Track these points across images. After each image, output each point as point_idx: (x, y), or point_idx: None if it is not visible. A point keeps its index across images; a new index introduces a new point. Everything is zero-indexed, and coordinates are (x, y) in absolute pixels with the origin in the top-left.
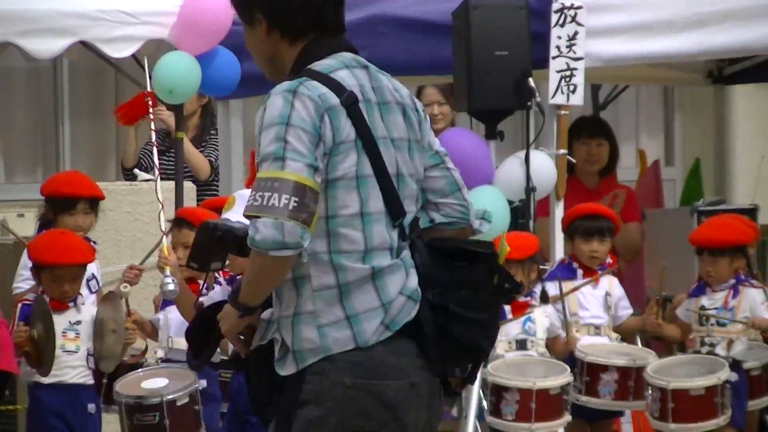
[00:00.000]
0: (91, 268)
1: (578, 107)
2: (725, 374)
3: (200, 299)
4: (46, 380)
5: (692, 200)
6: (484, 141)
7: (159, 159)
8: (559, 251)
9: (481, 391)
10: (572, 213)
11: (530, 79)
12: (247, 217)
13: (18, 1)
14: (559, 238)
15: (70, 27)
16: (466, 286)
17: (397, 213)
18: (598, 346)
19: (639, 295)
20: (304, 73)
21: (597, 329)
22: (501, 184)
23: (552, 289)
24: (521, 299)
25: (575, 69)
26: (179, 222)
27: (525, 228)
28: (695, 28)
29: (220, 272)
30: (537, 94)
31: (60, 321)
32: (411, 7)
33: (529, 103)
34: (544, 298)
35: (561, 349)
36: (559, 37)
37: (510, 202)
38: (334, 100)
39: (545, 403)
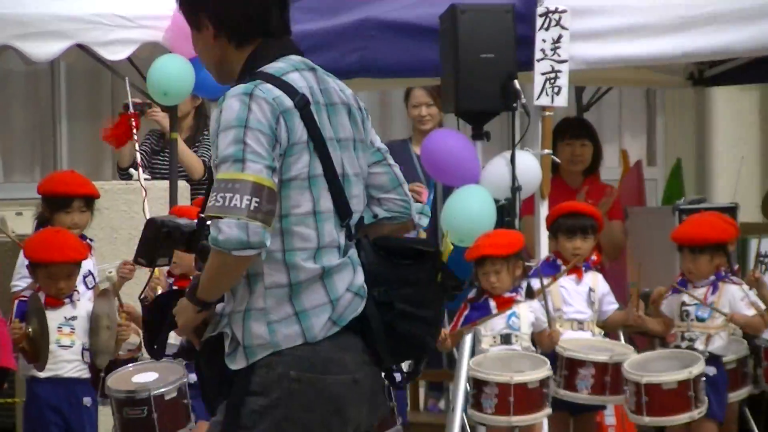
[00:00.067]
0: (88, 265)
1: (562, 109)
2: (698, 369)
3: (143, 295)
4: (42, 374)
5: (674, 199)
6: (470, 141)
7: (153, 159)
8: (543, 249)
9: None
10: (555, 211)
11: (516, 81)
12: (208, 217)
13: (16, 5)
14: (543, 235)
15: (67, 30)
16: (410, 284)
17: (344, 213)
18: (578, 341)
19: (622, 291)
20: (257, 75)
21: (580, 324)
22: (487, 183)
23: (537, 285)
24: (507, 295)
25: (560, 71)
26: None
27: (510, 226)
28: (676, 32)
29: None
30: (522, 96)
31: (56, 317)
32: (400, 11)
33: (514, 105)
34: (530, 294)
35: (546, 343)
36: (544, 41)
37: (496, 201)
38: (288, 102)
39: (524, 397)
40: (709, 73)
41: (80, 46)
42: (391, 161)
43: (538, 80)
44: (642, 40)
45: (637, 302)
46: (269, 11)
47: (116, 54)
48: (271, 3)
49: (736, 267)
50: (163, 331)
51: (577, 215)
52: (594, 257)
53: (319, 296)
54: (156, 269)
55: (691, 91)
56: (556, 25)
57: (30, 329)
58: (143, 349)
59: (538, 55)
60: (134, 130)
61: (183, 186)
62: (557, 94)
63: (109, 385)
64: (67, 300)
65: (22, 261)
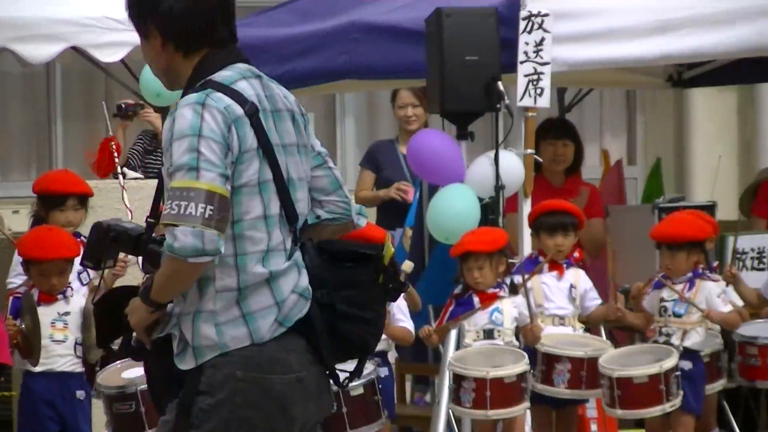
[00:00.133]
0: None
1: (545, 109)
2: (669, 363)
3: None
4: (36, 369)
5: (653, 197)
6: (455, 141)
7: (146, 158)
8: (527, 246)
9: None
10: (537, 209)
11: (499, 83)
12: (164, 225)
13: (13, 9)
14: (526, 233)
15: (62, 33)
16: (352, 286)
17: (292, 217)
18: (558, 336)
19: (604, 287)
20: (208, 84)
21: (561, 320)
22: (471, 182)
23: (520, 281)
24: (490, 291)
25: (542, 73)
26: None
27: (494, 224)
28: (656, 35)
29: None
30: (506, 97)
31: (49, 312)
32: (386, 14)
33: (498, 106)
34: (513, 290)
35: (529, 337)
36: (527, 43)
37: (480, 199)
38: (238, 111)
39: (500, 391)
40: (687, 74)
41: (75, 49)
42: (331, 164)
43: (521, 82)
44: (622, 43)
45: (615, 296)
46: (215, 21)
47: (110, 56)
48: (216, 13)
49: (716, 264)
50: (124, 331)
51: (558, 213)
52: (576, 254)
53: (265, 298)
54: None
55: (669, 92)
56: (538, 29)
57: (23, 325)
58: None
59: (521, 57)
60: (116, 157)
61: None
62: (540, 95)
63: (99, 382)
64: (60, 296)
65: (17, 258)
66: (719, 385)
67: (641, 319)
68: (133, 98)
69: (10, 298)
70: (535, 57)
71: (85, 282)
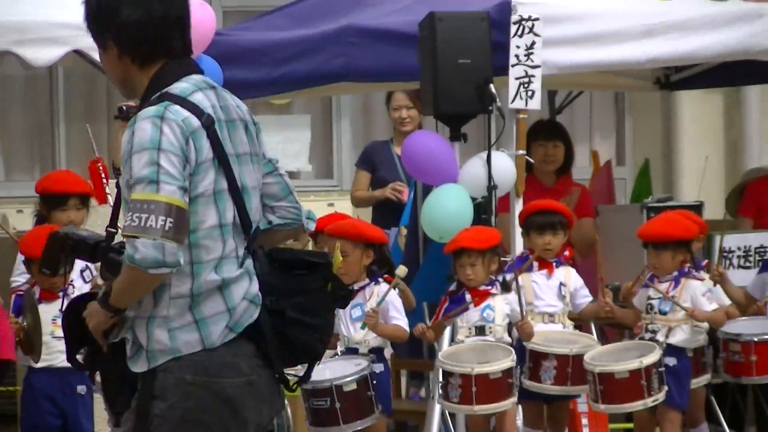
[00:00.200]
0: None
1: (536, 111)
2: (650, 359)
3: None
4: (37, 365)
5: (642, 197)
6: (449, 142)
7: None
8: (519, 245)
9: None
10: (527, 209)
11: (491, 86)
12: (125, 237)
13: (16, 13)
14: (518, 232)
15: (65, 37)
16: (301, 293)
17: (246, 225)
18: (545, 333)
19: (594, 285)
20: (165, 97)
21: (551, 317)
22: (465, 182)
23: (509, 277)
24: (482, 288)
25: (533, 76)
26: None
27: (487, 223)
28: (644, 38)
29: None
30: (497, 99)
31: (50, 309)
32: (380, 18)
33: (490, 108)
34: (505, 287)
35: (523, 334)
36: (518, 47)
37: (473, 199)
38: (195, 123)
39: (486, 387)
40: (674, 77)
41: (77, 52)
42: (282, 171)
43: (513, 84)
44: (611, 47)
45: (603, 293)
46: (170, 33)
47: None
48: (171, 25)
49: (705, 263)
50: (89, 342)
51: (547, 212)
52: (566, 253)
53: (217, 305)
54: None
55: (657, 94)
56: (529, 33)
57: (25, 323)
58: None
59: (512, 60)
60: (104, 179)
61: None
62: (531, 97)
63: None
64: (61, 293)
65: (21, 257)
66: (704, 379)
67: (631, 316)
68: (133, 101)
69: (13, 296)
70: (526, 60)
71: (87, 280)
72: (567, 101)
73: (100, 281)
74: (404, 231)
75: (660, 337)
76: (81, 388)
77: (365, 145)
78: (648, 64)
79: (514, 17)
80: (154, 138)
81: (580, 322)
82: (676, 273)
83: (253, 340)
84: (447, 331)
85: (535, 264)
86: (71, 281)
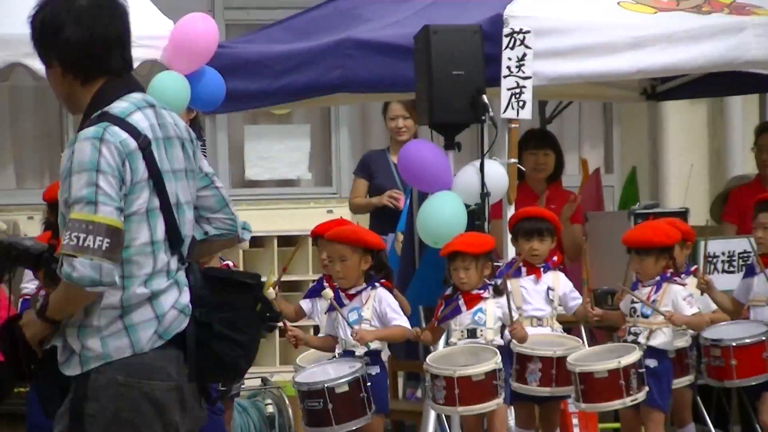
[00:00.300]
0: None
1: (527, 121)
2: (628, 359)
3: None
4: None
5: (629, 204)
6: (443, 151)
7: None
8: (511, 250)
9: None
10: (516, 215)
11: (484, 96)
12: (63, 255)
13: (26, 26)
14: (510, 238)
15: None
16: (230, 309)
17: (177, 241)
18: (533, 336)
19: (582, 290)
20: (105, 117)
21: (539, 320)
22: (459, 189)
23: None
24: (475, 292)
25: (524, 87)
26: None
27: (480, 229)
28: (631, 50)
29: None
30: (490, 109)
31: None
32: (377, 31)
33: (483, 118)
34: (497, 291)
35: (516, 337)
36: (510, 59)
37: (467, 206)
38: (132, 144)
39: (468, 389)
40: (660, 88)
41: None
42: (219, 184)
43: (505, 95)
44: (599, 58)
45: (589, 297)
46: (111, 52)
47: None
48: (112, 44)
49: (693, 268)
50: (32, 357)
51: (534, 219)
52: (555, 258)
53: (146, 313)
54: None
55: (644, 104)
56: (520, 45)
57: None
58: None
59: (504, 72)
60: None
61: None
62: (522, 107)
63: None
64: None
65: None
66: (686, 380)
67: (619, 318)
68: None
69: (21, 299)
70: (518, 71)
71: None
72: (557, 111)
73: None
74: (401, 237)
75: (642, 339)
76: None
77: (363, 154)
78: (635, 75)
79: (506, 30)
80: (93, 159)
81: (570, 324)
82: (658, 278)
83: (181, 348)
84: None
85: (524, 269)
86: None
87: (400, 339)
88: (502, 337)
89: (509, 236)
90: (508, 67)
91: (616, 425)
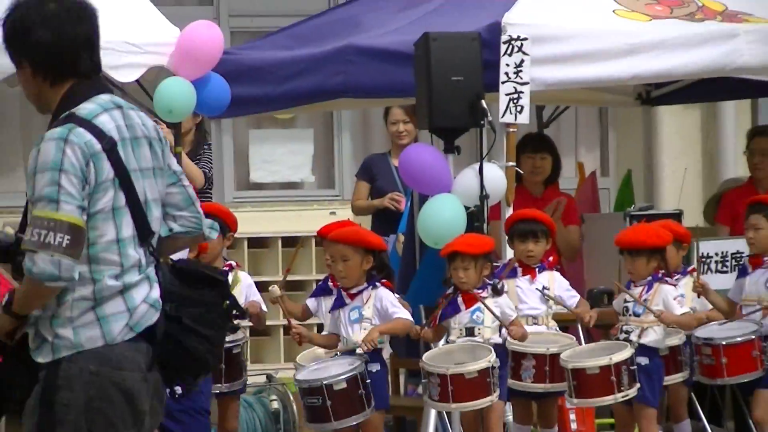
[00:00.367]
0: None
1: (525, 125)
2: (619, 356)
3: None
4: None
5: (625, 206)
6: (443, 155)
7: None
8: (509, 251)
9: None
10: (511, 218)
11: (483, 101)
12: (25, 250)
13: None
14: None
15: None
16: (199, 305)
17: (146, 235)
18: (530, 335)
19: (579, 289)
20: (71, 119)
21: (535, 319)
22: (458, 192)
23: (500, 283)
24: (474, 291)
25: (522, 92)
26: None
27: (479, 230)
28: (626, 57)
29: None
30: (489, 114)
31: None
32: (378, 38)
33: (482, 122)
34: (496, 291)
35: (517, 336)
36: (508, 65)
37: (466, 208)
38: (97, 146)
39: (462, 386)
40: (655, 93)
41: None
42: (186, 182)
43: (503, 100)
44: (595, 64)
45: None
46: (79, 54)
47: (126, 77)
48: (80, 47)
49: (690, 268)
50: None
51: (529, 221)
52: (551, 259)
53: (118, 305)
54: None
55: (639, 109)
56: (518, 51)
57: None
58: None
59: (502, 77)
60: None
61: None
62: (520, 112)
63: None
64: None
65: None
66: (680, 376)
67: (613, 317)
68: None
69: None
70: (516, 77)
71: None
72: (554, 116)
73: None
74: (402, 238)
75: (633, 337)
76: None
77: (364, 158)
78: (630, 81)
79: (504, 37)
80: (57, 159)
81: (568, 323)
82: (650, 278)
83: (151, 342)
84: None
85: (519, 269)
86: None
87: (404, 330)
88: (500, 336)
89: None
90: (506, 73)
91: (612, 420)
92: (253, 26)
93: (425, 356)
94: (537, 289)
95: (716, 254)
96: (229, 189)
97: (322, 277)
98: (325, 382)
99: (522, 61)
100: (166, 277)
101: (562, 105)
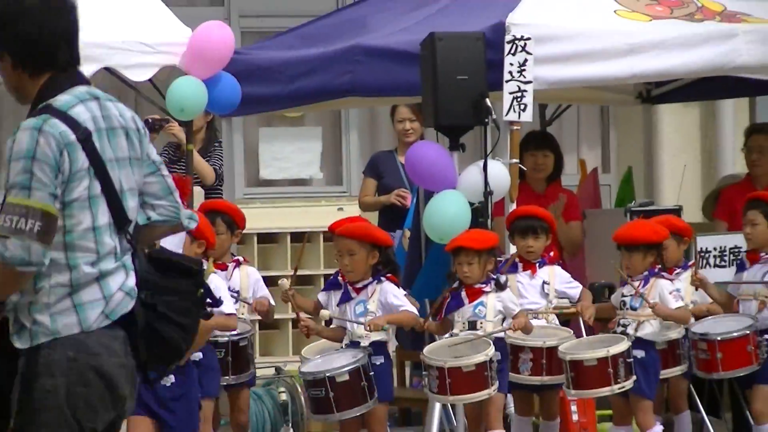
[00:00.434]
0: None
1: (528, 123)
2: (616, 349)
3: None
4: None
5: (626, 202)
6: (448, 152)
7: (170, 167)
8: (513, 246)
9: None
10: (512, 214)
11: (487, 100)
12: None
13: None
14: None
15: (97, 55)
16: (173, 293)
17: (122, 223)
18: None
19: (581, 283)
20: (47, 110)
21: (535, 313)
22: (463, 188)
23: (502, 278)
24: (477, 286)
25: (525, 91)
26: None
27: (484, 226)
28: (627, 56)
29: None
30: (493, 112)
31: None
32: (385, 38)
33: (486, 120)
34: (499, 286)
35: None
36: (511, 64)
37: (471, 204)
38: (71, 136)
39: (459, 379)
40: (655, 92)
41: (108, 69)
42: (165, 172)
43: (507, 99)
44: (597, 64)
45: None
46: (59, 47)
47: (139, 76)
48: (59, 40)
49: (691, 263)
50: None
51: (529, 217)
52: (551, 254)
53: (94, 293)
54: None
55: (639, 108)
56: (521, 51)
57: None
58: None
59: (506, 76)
60: None
61: (198, 191)
62: (523, 110)
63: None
64: None
65: None
66: (678, 370)
67: (611, 311)
68: (159, 113)
69: None
70: (519, 76)
71: None
72: (556, 114)
73: None
74: (408, 233)
75: (630, 330)
76: None
77: (372, 155)
78: (631, 79)
79: (508, 37)
80: (30, 148)
81: (570, 317)
82: (646, 273)
83: (126, 329)
84: None
85: (520, 265)
86: None
87: (408, 323)
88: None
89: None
90: (510, 72)
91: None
92: (263, 27)
93: (426, 349)
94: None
95: (715, 249)
96: (240, 186)
97: (330, 271)
98: (327, 374)
99: (525, 60)
100: (142, 265)
101: (565, 103)
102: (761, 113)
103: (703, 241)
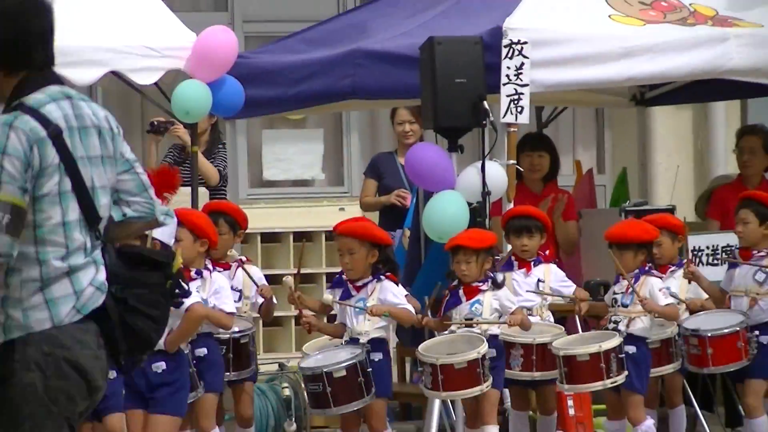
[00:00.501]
0: None
1: (525, 125)
2: (608, 344)
3: None
4: None
5: (620, 202)
6: (447, 153)
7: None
8: (509, 245)
9: None
10: (507, 214)
11: (485, 102)
12: None
13: (59, 38)
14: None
15: (104, 59)
16: (143, 286)
17: (93, 220)
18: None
19: (577, 282)
20: (19, 107)
21: (529, 311)
22: (461, 188)
23: (499, 277)
24: (475, 284)
25: (522, 94)
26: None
27: (482, 226)
28: (621, 60)
29: None
30: (491, 115)
31: None
32: (385, 42)
33: (484, 122)
34: (496, 284)
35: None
36: (509, 68)
37: (469, 204)
38: (42, 133)
39: (451, 376)
40: (649, 94)
41: (114, 73)
42: (139, 170)
43: (504, 101)
44: (592, 67)
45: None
46: (34, 47)
47: (145, 79)
48: (36, 40)
49: (685, 261)
50: None
51: (523, 217)
52: (546, 252)
53: (65, 288)
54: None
55: (634, 110)
56: (518, 55)
57: None
58: None
59: (503, 80)
60: None
61: (202, 192)
62: (520, 112)
63: None
64: None
65: None
66: (671, 368)
67: (603, 309)
68: (164, 116)
69: None
70: (516, 79)
71: None
72: (553, 116)
73: None
74: (407, 233)
75: (622, 326)
76: (111, 373)
77: (372, 156)
78: (625, 82)
79: (505, 41)
80: (1, 143)
81: (566, 314)
82: (637, 271)
83: (97, 323)
84: None
85: (516, 263)
86: None
87: (407, 321)
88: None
89: None
90: (507, 76)
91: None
92: (266, 31)
93: (421, 346)
94: (530, 291)
95: (707, 248)
96: (243, 186)
97: (332, 270)
98: (325, 370)
99: (522, 63)
100: (112, 260)
101: (561, 106)
102: (753, 115)
103: (696, 240)
